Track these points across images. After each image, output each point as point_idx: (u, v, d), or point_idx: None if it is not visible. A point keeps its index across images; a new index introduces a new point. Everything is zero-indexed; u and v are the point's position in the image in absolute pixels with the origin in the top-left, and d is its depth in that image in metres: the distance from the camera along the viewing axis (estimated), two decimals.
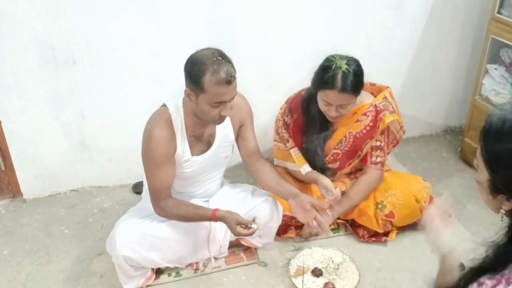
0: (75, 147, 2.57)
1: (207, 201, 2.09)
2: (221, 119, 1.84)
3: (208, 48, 1.77)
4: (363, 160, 2.29)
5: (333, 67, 2.03)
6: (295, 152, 2.31)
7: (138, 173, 2.67)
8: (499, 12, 2.54)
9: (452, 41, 2.98)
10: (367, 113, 2.21)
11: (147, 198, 2.09)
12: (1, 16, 2.17)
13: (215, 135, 1.98)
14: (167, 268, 2.12)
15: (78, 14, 2.26)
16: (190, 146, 1.92)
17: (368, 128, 2.21)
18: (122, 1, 2.29)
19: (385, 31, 2.78)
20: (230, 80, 1.72)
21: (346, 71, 2.02)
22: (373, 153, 2.25)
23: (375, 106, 2.21)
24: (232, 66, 1.75)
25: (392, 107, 2.23)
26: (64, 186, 2.68)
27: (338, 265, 2.11)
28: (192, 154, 1.93)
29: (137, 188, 2.68)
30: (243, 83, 2.51)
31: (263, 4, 2.50)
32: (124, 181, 2.75)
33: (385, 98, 2.24)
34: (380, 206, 2.22)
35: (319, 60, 2.53)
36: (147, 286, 2.05)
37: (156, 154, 1.84)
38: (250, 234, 1.92)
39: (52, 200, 2.63)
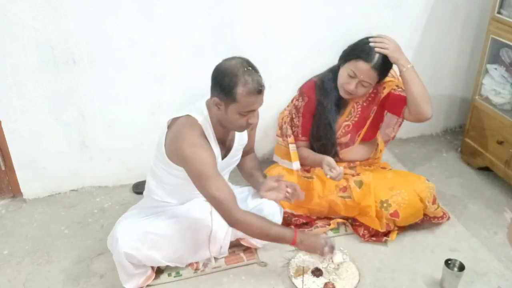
0: (75, 147, 2.57)
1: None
2: (247, 127, 1.88)
3: (235, 58, 1.80)
4: (401, 105, 2.24)
5: (373, 46, 2.11)
6: (292, 147, 2.35)
7: (138, 173, 2.69)
8: (499, 12, 2.54)
9: (452, 41, 2.98)
10: None
11: (149, 198, 2.10)
12: (1, 16, 2.17)
13: (235, 139, 2.02)
14: (167, 268, 2.12)
15: (78, 14, 2.26)
16: (221, 153, 1.96)
17: (372, 95, 2.31)
18: (122, 1, 2.29)
19: (385, 31, 2.76)
20: (261, 90, 1.77)
21: (382, 54, 2.10)
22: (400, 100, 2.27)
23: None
24: (260, 75, 1.79)
25: (393, 76, 2.31)
26: (64, 186, 2.68)
27: (338, 265, 2.10)
28: (222, 159, 1.97)
29: (137, 188, 2.68)
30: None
31: (263, 4, 2.50)
32: (124, 181, 2.75)
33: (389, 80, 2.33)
34: (385, 205, 2.22)
35: (319, 60, 2.55)
36: (147, 286, 2.05)
37: (210, 165, 1.81)
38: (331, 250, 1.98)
39: (52, 200, 2.63)
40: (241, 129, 1.91)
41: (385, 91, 2.29)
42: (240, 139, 2.06)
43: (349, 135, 2.35)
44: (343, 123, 2.33)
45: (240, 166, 2.20)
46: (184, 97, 2.58)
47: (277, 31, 2.59)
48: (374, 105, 2.32)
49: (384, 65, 2.13)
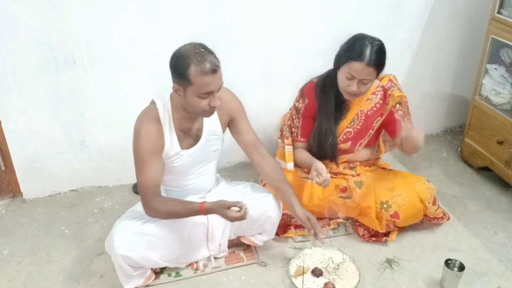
0: (75, 147, 2.57)
1: (203, 197, 2.10)
2: (211, 111, 1.86)
3: (190, 43, 1.81)
4: (392, 133, 2.32)
5: (361, 42, 2.09)
6: (288, 149, 2.36)
7: None
8: (499, 12, 2.54)
9: (452, 41, 2.98)
10: (376, 93, 2.30)
11: None
12: (1, 16, 2.17)
13: (203, 129, 2.01)
14: (167, 268, 2.12)
15: (78, 14, 2.26)
16: (179, 140, 1.95)
17: (378, 105, 2.29)
18: (122, 1, 2.29)
19: (385, 31, 2.77)
20: (215, 69, 1.75)
21: (374, 47, 2.08)
22: (405, 118, 2.26)
23: (382, 86, 2.31)
24: (215, 56, 1.79)
25: (398, 88, 2.31)
26: (64, 186, 2.68)
27: (338, 265, 2.11)
28: (182, 148, 1.96)
29: (137, 188, 2.66)
30: (243, 83, 2.53)
31: (263, 4, 2.50)
32: (124, 181, 2.75)
33: (390, 80, 2.33)
34: (385, 206, 2.22)
35: (319, 60, 2.54)
36: (148, 286, 2.05)
37: (142, 150, 1.86)
38: (244, 217, 1.89)
39: (52, 200, 2.63)
40: (205, 114, 1.89)
41: (390, 104, 2.28)
42: (211, 129, 2.02)
43: (349, 142, 2.33)
44: (345, 129, 2.31)
45: (261, 172, 2.12)
46: None
47: (277, 31, 2.59)
48: (378, 115, 2.30)
49: (379, 58, 2.10)
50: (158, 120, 1.89)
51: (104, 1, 2.27)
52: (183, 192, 2.07)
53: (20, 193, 2.64)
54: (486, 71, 2.71)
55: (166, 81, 2.52)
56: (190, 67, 1.74)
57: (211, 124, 2.02)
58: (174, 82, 1.82)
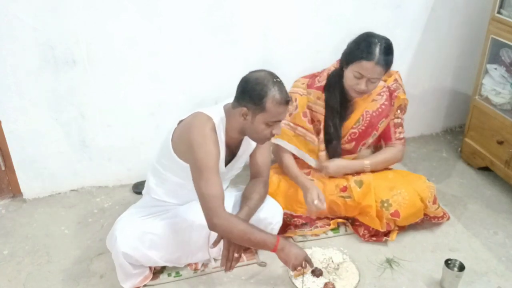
0: (75, 147, 2.57)
1: None
2: (270, 138, 1.91)
3: (263, 70, 1.84)
4: (386, 139, 2.37)
5: (370, 41, 2.10)
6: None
7: (138, 173, 2.69)
8: (499, 12, 2.54)
9: (452, 41, 2.98)
10: (381, 93, 2.31)
11: (148, 197, 2.10)
12: (1, 16, 2.17)
13: (240, 147, 2.03)
14: (167, 268, 2.12)
15: (78, 14, 2.26)
16: (225, 157, 1.96)
17: (383, 106, 2.30)
18: (122, 1, 2.29)
19: (385, 31, 2.76)
20: (288, 101, 1.82)
21: (382, 45, 2.10)
22: (396, 130, 2.37)
23: (388, 87, 2.33)
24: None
25: (403, 90, 2.34)
26: (64, 186, 2.68)
27: (338, 265, 2.10)
28: (225, 165, 1.98)
29: (137, 188, 2.68)
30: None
31: (263, 4, 2.50)
32: (124, 181, 2.74)
33: (395, 80, 2.35)
34: (385, 205, 2.22)
35: (319, 60, 2.54)
36: (147, 286, 2.05)
37: (210, 157, 1.81)
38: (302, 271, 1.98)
39: (52, 200, 2.63)
40: (263, 140, 1.92)
41: (396, 105, 2.31)
42: (244, 150, 2.05)
43: (353, 143, 2.33)
44: (350, 129, 2.31)
45: (249, 183, 2.13)
46: (183, 97, 2.58)
47: (277, 31, 2.59)
48: (383, 116, 2.30)
49: (387, 57, 2.12)
50: (215, 132, 1.87)
51: (104, 1, 2.27)
52: (190, 197, 2.05)
53: (20, 193, 2.64)
54: (486, 71, 2.71)
55: (166, 81, 2.54)
56: (268, 95, 1.77)
57: (249, 149, 2.06)
58: (242, 105, 1.82)
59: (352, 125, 2.30)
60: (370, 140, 2.35)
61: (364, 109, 2.29)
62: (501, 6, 2.53)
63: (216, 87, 2.57)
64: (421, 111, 3.13)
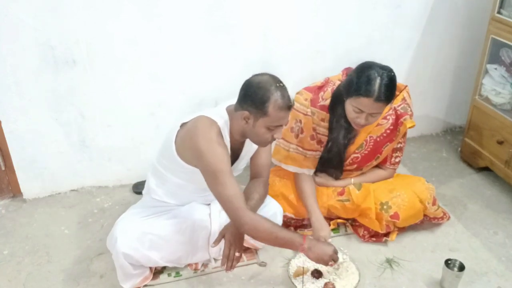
0: (75, 147, 2.57)
1: (208, 204, 2.09)
2: (271, 142, 1.90)
3: (265, 74, 1.82)
4: (382, 162, 2.33)
5: (369, 75, 1.96)
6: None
7: (138, 173, 2.69)
8: (499, 12, 2.54)
9: (452, 41, 2.98)
10: (387, 117, 2.22)
11: (148, 197, 2.10)
12: (1, 16, 2.17)
13: (242, 150, 2.02)
14: (167, 268, 2.12)
15: (78, 14, 2.26)
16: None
17: (388, 131, 2.23)
18: (122, 1, 2.29)
19: (385, 31, 2.78)
20: (290, 106, 1.80)
21: (383, 80, 1.95)
22: (394, 154, 2.32)
23: (395, 109, 2.21)
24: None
25: (410, 110, 2.23)
26: (64, 186, 2.68)
27: (338, 265, 2.10)
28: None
29: (137, 188, 2.68)
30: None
31: (263, 4, 2.50)
32: (124, 181, 2.74)
33: (403, 99, 2.22)
34: (385, 207, 2.21)
35: (319, 60, 2.54)
36: (148, 286, 2.05)
37: (224, 161, 1.81)
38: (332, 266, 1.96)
39: (52, 200, 2.63)
40: (264, 143, 1.90)
41: (401, 132, 2.22)
42: (248, 151, 2.05)
43: (355, 165, 2.31)
44: (352, 154, 2.26)
45: (249, 183, 2.13)
46: (183, 97, 2.58)
47: (277, 31, 2.59)
48: (388, 140, 2.24)
49: (388, 92, 1.97)
50: (221, 135, 1.86)
51: (104, 1, 2.26)
52: (190, 198, 2.06)
53: (20, 193, 2.64)
54: (486, 71, 2.71)
55: (166, 81, 2.54)
56: (270, 99, 1.75)
57: (251, 150, 2.05)
58: (244, 109, 1.80)
59: (354, 149, 2.26)
60: (374, 163, 2.32)
61: (368, 134, 2.23)
62: (501, 6, 2.53)
63: (216, 87, 2.57)
64: (421, 111, 3.12)
